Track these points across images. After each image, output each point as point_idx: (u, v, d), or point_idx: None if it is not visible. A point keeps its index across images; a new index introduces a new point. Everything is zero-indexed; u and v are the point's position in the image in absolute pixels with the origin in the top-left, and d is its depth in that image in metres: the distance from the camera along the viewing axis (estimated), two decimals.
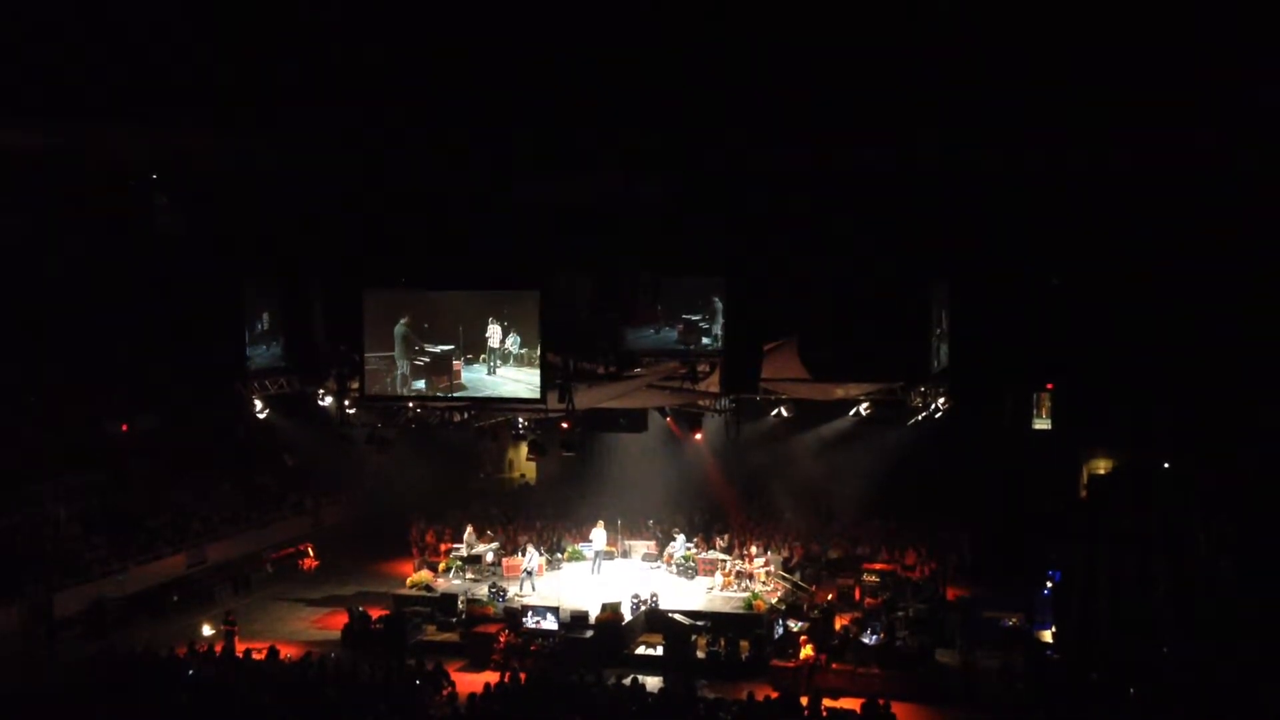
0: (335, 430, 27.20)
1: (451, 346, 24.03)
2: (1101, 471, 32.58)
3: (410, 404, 25.68)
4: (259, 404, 26.41)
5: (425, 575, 29.83)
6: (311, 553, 33.27)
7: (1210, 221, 23.02)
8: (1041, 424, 31.24)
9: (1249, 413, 25.37)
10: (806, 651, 22.93)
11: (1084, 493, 31.99)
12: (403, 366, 24.09)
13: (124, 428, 30.37)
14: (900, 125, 21.33)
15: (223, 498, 33.18)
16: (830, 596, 27.38)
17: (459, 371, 23.97)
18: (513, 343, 23.72)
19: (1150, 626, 22.05)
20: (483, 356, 23.88)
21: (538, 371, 23.60)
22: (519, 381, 23.81)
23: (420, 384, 24.17)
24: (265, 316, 25.79)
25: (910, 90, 19.15)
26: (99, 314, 26.82)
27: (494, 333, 23.85)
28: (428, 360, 24.12)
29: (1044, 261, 26.50)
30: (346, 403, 26.46)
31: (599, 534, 31.30)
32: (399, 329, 24.03)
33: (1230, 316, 24.87)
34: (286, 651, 23.46)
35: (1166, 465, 29.83)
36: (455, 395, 24.48)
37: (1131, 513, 26.50)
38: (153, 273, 25.93)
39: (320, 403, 26.71)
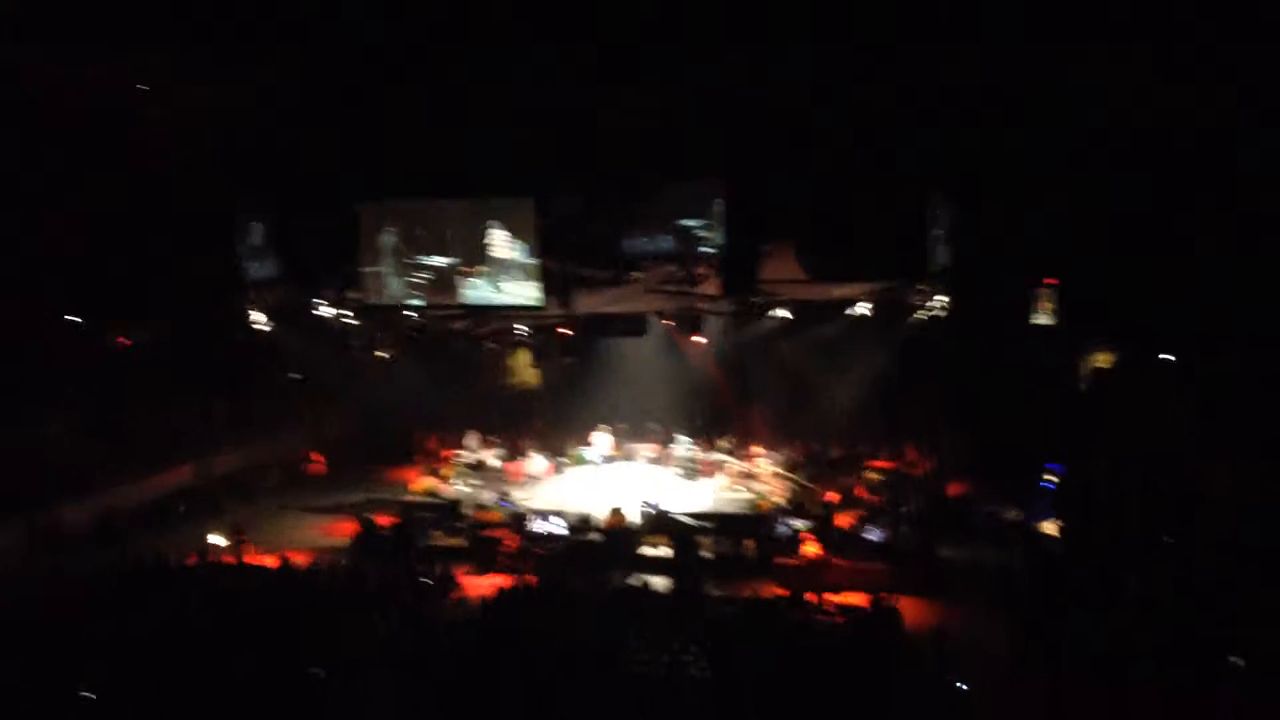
0: (335, 340, 27.21)
1: (453, 260, 23.96)
2: (1103, 365, 32.60)
3: (410, 313, 25.71)
4: (256, 315, 26.44)
5: (431, 482, 30.03)
6: (318, 459, 33.47)
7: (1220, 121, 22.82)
8: (1043, 319, 31.21)
9: (1253, 308, 25.33)
10: (810, 549, 23.16)
11: (1084, 387, 32.06)
12: (393, 285, 24.05)
13: (121, 340, 30.35)
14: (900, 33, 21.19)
15: (225, 409, 33.24)
16: (833, 495, 27.56)
17: (460, 288, 23.93)
18: (514, 250, 23.66)
19: (1149, 520, 22.23)
20: (479, 269, 23.83)
21: (537, 282, 23.61)
22: (519, 293, 23.81)
23: (420, 300, 24.19)
24: (260, 228, 25.71)
25: None
26: (93, 227, 26.67)
27: (498, 239, 23.77)
28: (430, 276, 24.08)
29: (1047, 154, 26.31)
30: (344, 312, 26.47)
31: (602, 438, 31.49)
32: (387, 239, 23.96)
33: (1232, 214, 24.72)
34: (295, 559, 23.69)
35: (1167, 357, 29.87)
36: (455, 304, 24.52)
37: (1131, 407, 26.59)
38: (147, 185, 25.75)
39: (318, 313, 26.70)
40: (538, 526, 25.43)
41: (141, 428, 30.44)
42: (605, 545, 24.98)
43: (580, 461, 32.05)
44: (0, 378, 25.89)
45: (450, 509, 27.42)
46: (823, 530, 24.37)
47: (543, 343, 28.86)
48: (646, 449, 32.40)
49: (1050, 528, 24.53)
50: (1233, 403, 23.11)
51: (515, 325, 29.23)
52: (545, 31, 21.86)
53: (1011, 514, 25.64)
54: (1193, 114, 22.67)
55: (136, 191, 25.78)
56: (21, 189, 24.74)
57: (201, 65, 23.27)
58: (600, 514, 26.07)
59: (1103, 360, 32.60)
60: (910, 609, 20.75)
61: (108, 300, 28.40)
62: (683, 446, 31.10)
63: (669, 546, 24.65)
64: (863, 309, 27.58)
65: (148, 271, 27.46)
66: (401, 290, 24.90)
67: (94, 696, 17.18)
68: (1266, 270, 23.75)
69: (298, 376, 32.96)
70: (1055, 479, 26.58)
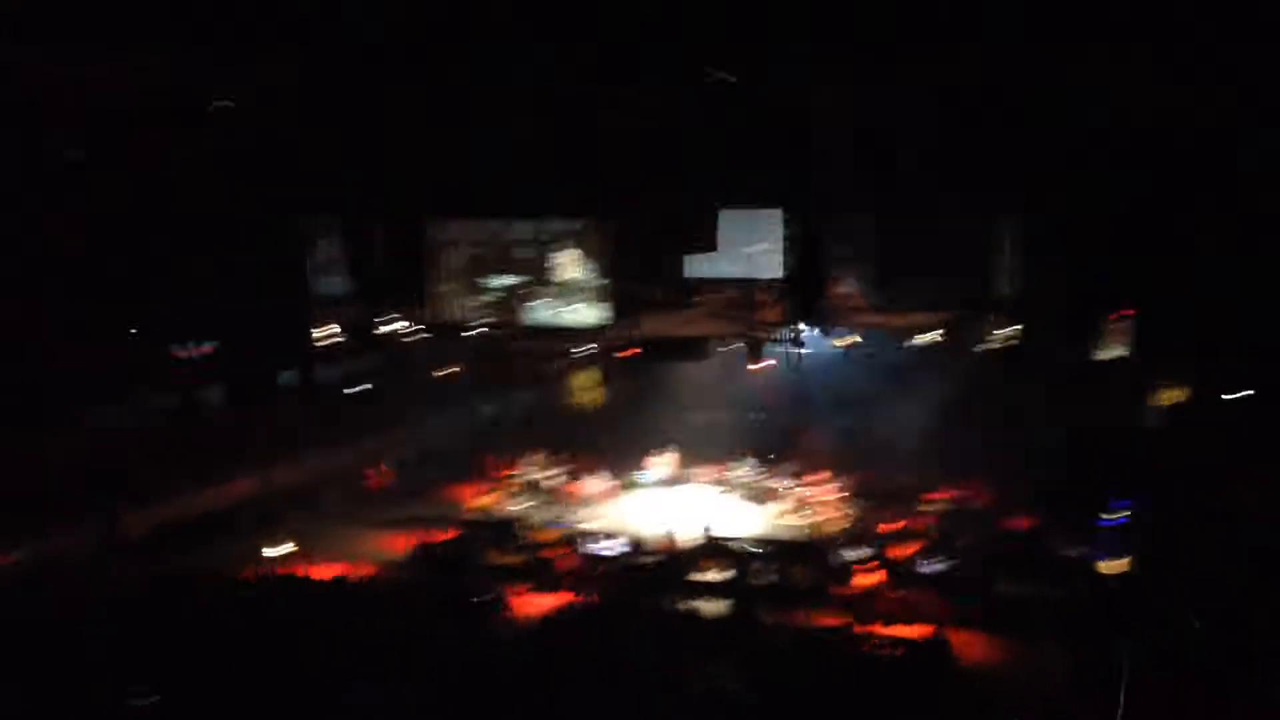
0: (401, 357, 27.47)
1: (520, 280, 24.15)
2: (1174, 400, 32.08)
3: (474, 331, 25.92)
4: (325, 329, 26.77)
5: (490, 499, 30.15)
6: (385, 472, 33.72)
7: None
8: (1114, 352, 30.80)
9: None
10: (867, 579, 22.99)
11: (1153, 422, 31.56)
12: (460, 303, 24.28)
13: (190, 354, 30.83)
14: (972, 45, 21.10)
15: (289, 422, 33.62)
16: (893, 525, 27.30)
17: (526, 308, 24.11)
18: (580, 271, 23.79)
19: (1215, 560, 21.82)
20: (549, 291, 23.98)
21: (602, 304, 23.72)
22: (584, 314, 23.94)
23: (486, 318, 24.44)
24: (331, 244, 26.08)
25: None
26: (170, 240, 27.16)
27: (565, 260, 23.92)
28: (497, 296, 24.28)
29: (1118, 190, 26.03)
30: (413, 329, 26.74)
31: (663, 460, 31.46)
32: (456, 258, 24.20)
33: None
34: (353, 573, 23.89)
35: (1239, 395, 29.33)
36: (521, 323, 24.71)
37: (1201, 445, 26.16)
38: (221, 198, 26.18)
39: (385, 329, 27.00)
40: (593, 547, 25.46)
41: (209, 437, 30.86)
42: (661, 568, 24.95)
43: (641, 483, 32.04)
44: (72, 384, 26.37)
45: (507, 527, 27.53)
46: (880, 560, 24.17)
47: (606, 364, 28.92)
48: (706, 472, 32.32)
49: (1113, 565, 24.16)
50: None
51: (580, 346, 29.33)
52: (623, 54, 22.07)
53: (1074, 550, 25.25)
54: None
55: (211, 203, 26.23)
56: (102, 202, 25.26)
57: (280, 80, 23.73)
58: (657, 536, 26.06)
59: (1173, 395, 32.12)
60: (964, 642, 20.52)
61: (181, 311, 28.90)
62: (744, 470, 30.98)
63: (724, 570, 24.57)
64: (931, 337, 27.36)
65: (221, 283, 27.92)
66: (469, 309, 25.12)
67: (147, 702, 17.47)
68: None
69: (358, 389, 33.29)
70: (1121, 515, 26.20)
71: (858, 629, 20.45)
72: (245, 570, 23.69)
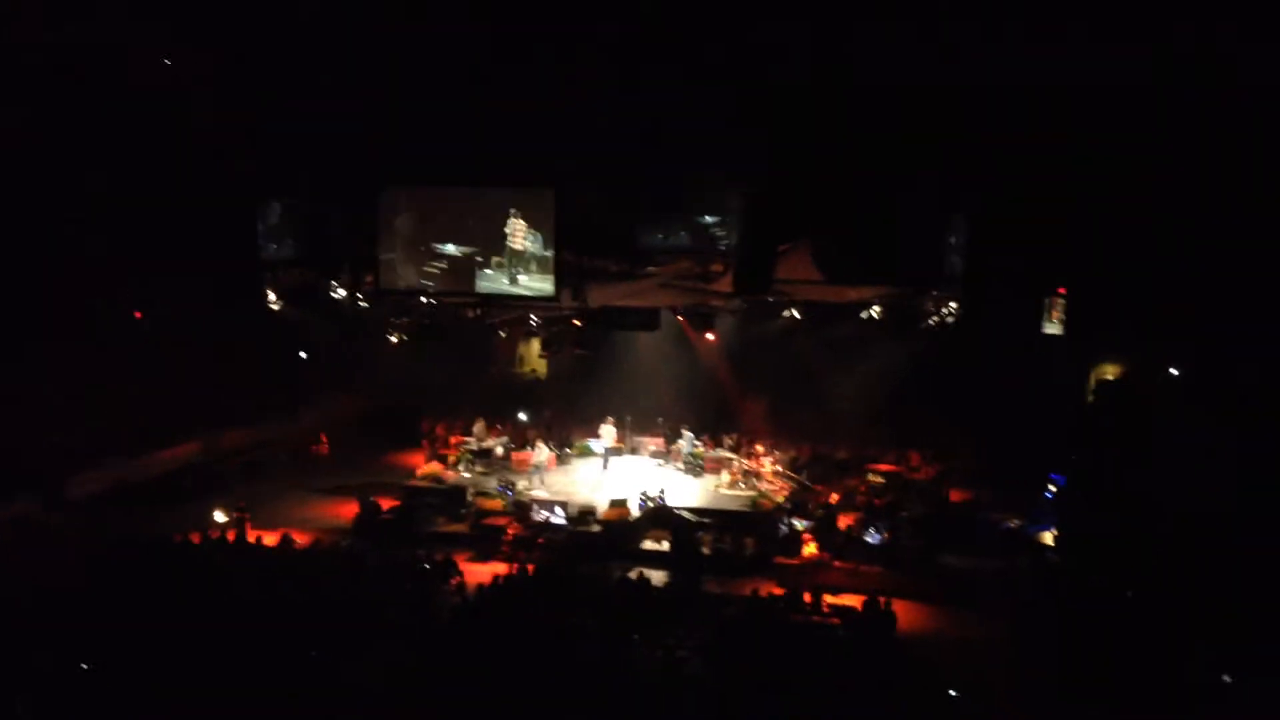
0: (348, 323, 27.32)
1: (471, 249, 24.07)
2: (1110, 377, 32.60)
3: (423, 298, 25.82)
4: (272, 295, 26.57)
5: (435, 468, 30.15)
6: (324, 440, 33.65)
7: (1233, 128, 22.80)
8: (1052, 329, 31.22)
9: (1261, 322, 25.32)
10: (810, 549, 23.28)
11: (1091, 397, 32.07)
12: (409, 271, 24.11)
13: (137, 315, 30.47)
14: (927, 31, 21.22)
15: (236, 386, 33.38)
16: (835, 496, 27.62)
17: (475, 277, 24.05)
18: (532, 241, 23.74)
19: (1151, 532, 22.25)
20: (496, 260, 23.93)
21: (552, 273, 23.73)
22: (534, 283, 23.94)
23: (434, 287, 24.36)
24: (279, 208, 25.83)
25: None
26: (110, 202, 26.77)
27: (515, 229, 23.87)
28: (445, 265, 24.20)
29: (1059, 167, 26.31)
30: (359, 296, 26.59)
31: (608, 430, 31.61)
32: (405, 225, 24.08)
33: (1244, 225, 24.71)
34: (298, 539, 23.83)
35: (1175, 372, 29.87)
36: (469, 292, 24.63)
37: (1137, 418, 26.60)
38: (167, 163, 25.83)
39: (333, 295, 26.83)
40: (539, 516, 25.54)
41: (152, 403, 30.58)
42: (605, 537, 25.09)
43: (586, 453, 32.18)
44: (14, 350, 25.99)
45: (454, 495, 27.54)
46: (823, 531, 24.46)
47: (555, 333, 28.92)
48: (651, 443, 32.51)
49: (1050, 537, 24.62)
50: (1238, 412, 23.07)
51: (528, 315, 29.32)
52: (574, 18, 21.95)
53: (1013, 522, 25.72)
54: (1202, 118, 22.68)
55: (155, 167, 25.87)
56: (35, 162, 24.82)
57: (226, 43, 23.42)
58: (603, 506, 26.20)
59: (1110, 371, 32.64)
60: (907, 612, 20.85)
61: (123, 274, 28.51)
62: (688, 442, 31.19)
63: (669, 541, 24.76)
64: (874, 313, 27.60)
65: (164, 247, 27.56)
66: (417, 276, 24.99)
67: (93, 668, 17.35)
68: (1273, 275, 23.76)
69: (304, 355, 33.12)
70: (1056, 489, 26.67)
71: (803, 598, 20.64)
72: (192, 535, 23.48)
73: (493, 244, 24.01)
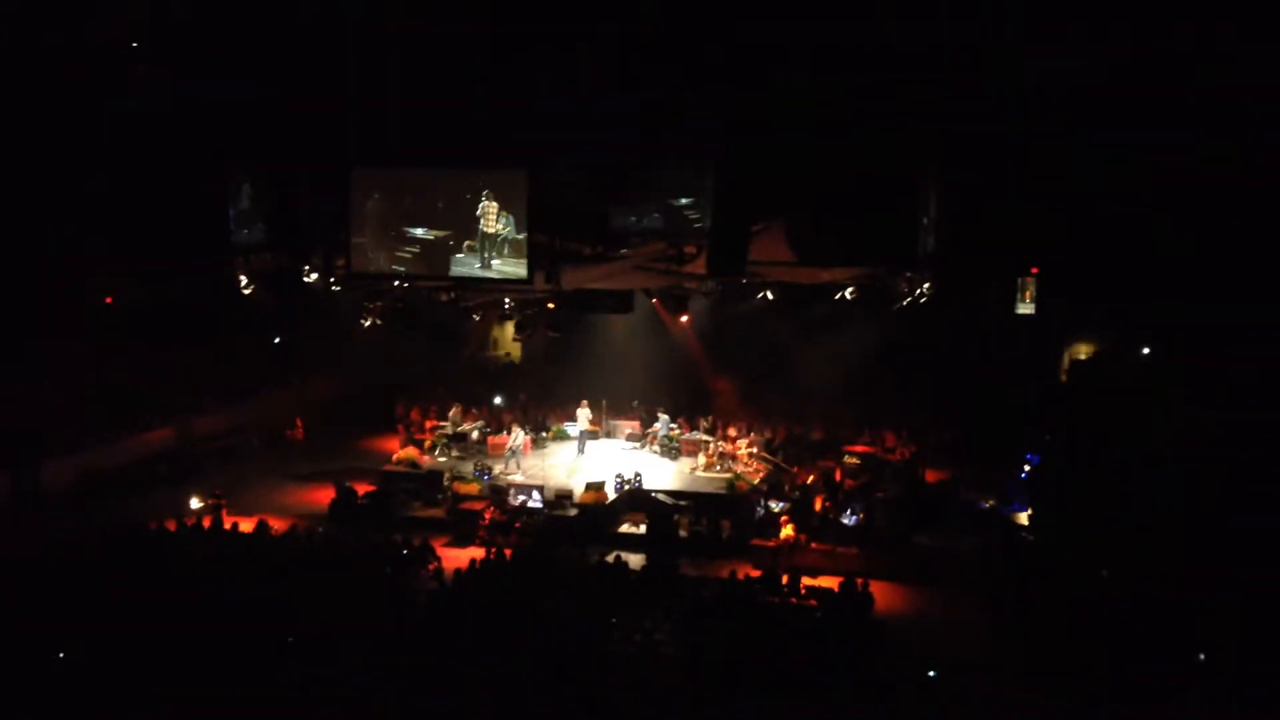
0: (321, 308, 27.19)
1: (445, 233, 23.95)
2: (1083, 356, 32.82)
3: (396, 282, 25.69)
4: (244, 279, 26.40)
5: (411, 452, 30.06)
6: (300, 425, 33.54)
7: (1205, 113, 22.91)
8: (1025, 309, 31.35)
9: (1234, 301, 25.48)
10: (787, 531, 23.31)
11: (1064, 377, 32.26)
12: (381, 254, 24.02)
13: (108, 301, 30.23)
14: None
15: (209, 372, 33.22)
16: (811, 478, 27.69)
17: (449, 260, 23.96)
18: (505, 223, 23.64)
19: (1125, 511, 22.40)
20: (468, 244, 23.82)
21: (525, 256, 23.63)
22: (507, 266, 23.85)
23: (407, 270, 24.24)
24: (248, 191, 25.62)
25: None
26: (80, 187, 26.51)
27: (487, 210, 23.76)
28: (418, 248, 24.09)
29: (1033, 147, 26.38)
30: (332, 280, 26.44)
31: (583, 413, 31.57)
32: (377, 208, 23.94)
33: (1218, 204, 24.85)
34: (274, 525, 23.74)
35: (1147, 351, 30.07)
36: (443, 276, 24.52)
37: (1110, 397, 26.76)
38: (136, 144, 25.59)
39: (305, 279, 26.67)
40: (516, 500, 25.51)
41: (125, 388, 30.41)
42: (582, 520, 25.10)
43: (562, 436, 32.16)
44: None
45: (430, 480, 27.49)
46: (799, 513, 24.51)
47: (529, 317, 28.87)
48: (627, 426, 32.51)
49: (1025, 517, 24.78)
50: (1212, 394, 23.23)
51: (502, 298, 29.23)
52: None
53: (988, 502, 25.86)
54: (1178, 103, 22.78)
55: (125, 149, 25.63)
56: (11, 149, 24.60)
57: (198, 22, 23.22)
58: (579, 489, 26.20)
59: (1083, 351, 32.84)
60: (884, 593, 20.94)
61: (93, 259, 28.27)
62: (663, 425, 31.20)
63: (646, 524, 24.77)
64: (848, 294, 27.62)
65: (134, 231, 27.32)
66: (389, 260, 24.86)
67: (69, 655, 17.27)
68: (1249, 262, 23.91)
69: (276, 338, 32.96)
70: (1033, 468, 26.82)
71: (780, 580, 20.71)
72: (166, 522, 23.36)
73: (465, 227, 23.89)
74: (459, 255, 24.08)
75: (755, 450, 29.45)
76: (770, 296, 28.74)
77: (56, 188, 25.85)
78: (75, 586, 19.43)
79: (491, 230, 23.90)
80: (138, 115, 24.86)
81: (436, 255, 24.16)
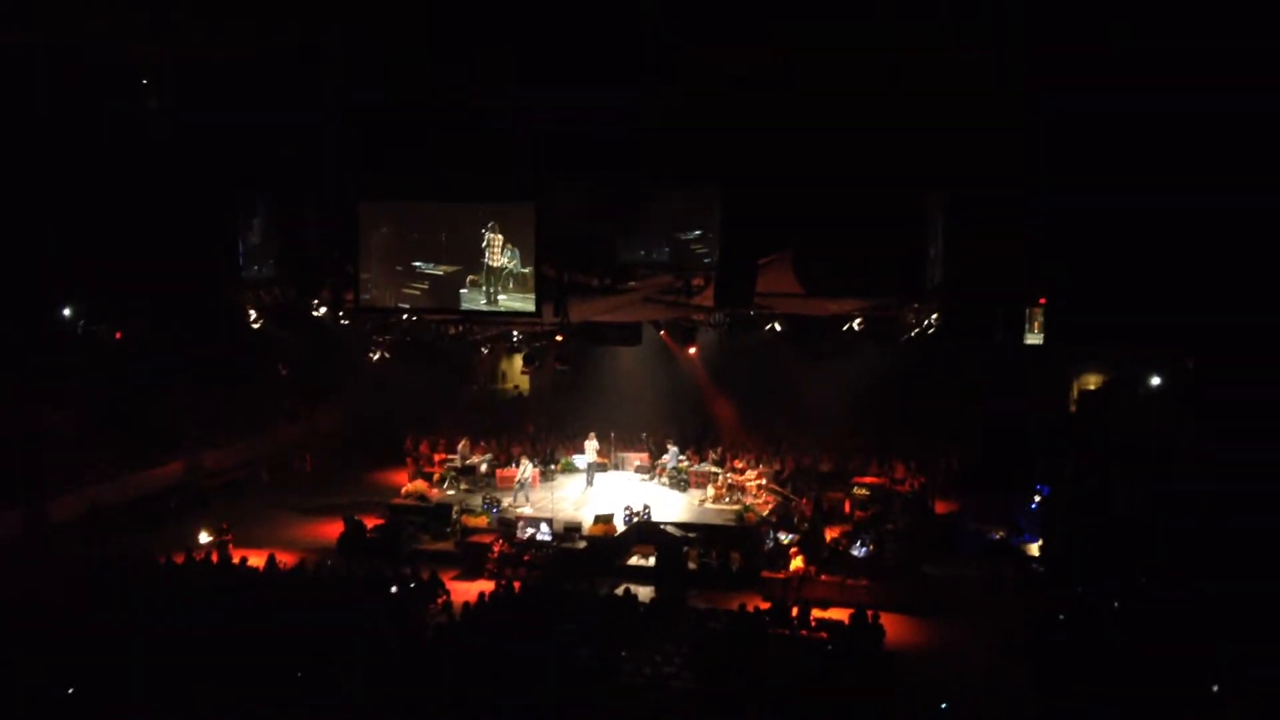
0: (330, 342, 27.25)
1: (452, 268, 24.00)
2: (1092, 386, 32.80)
3: (404, 316, 25.73)
4: (253, 314, 26.50)
5: (420, 485, 30.02)
6: (309, 459, 33.56)
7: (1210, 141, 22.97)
8: (1033, 339, 31.35)
9: (1238, 331, 25.47)
10: (796, 563, 23.23)
11: (1074, 407, 32.24)
12: (389, 288, 24.11)
13: (118, 335, 30.37)
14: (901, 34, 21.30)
15: (219, 406, 33.31)
16: (821, 509, 27.59)
17: (456, 293, 24.02)
18: (511, 256, 23.68)
19: (1135, 541, 22.33)
20: (472, 279, 23.87)
21: (534, 289, 23.66)
22: (516, 299, 23.88)
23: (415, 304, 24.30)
24: (257, 225, 25.74)
25: None
26: (90, 220, 26.67)
27: (493, 243, 23.80)
28: (425, 283, 24.13)
29: (1039, 177, 26.44)
30: (340, 314, 26.49)
31: (592, 446, 31.53)
32: (384, 241, 24.02)
33: (1220, 237, 24.89)
34: (282, 559, 23.73)
35: (1156, 381, 30.06)
36: (450, 307, 24.54)
37: (1119, 428, 26.74)
38: (146, 179, 25.74)
39: (314, 314, 26.75)
40: (525, 533, 25.47)
41: (135, 423, 30.48)
42: (591, 553, 25.03)
43: (570, 469, 32.12)
44: None
45: (439, 513, 27.46)
46: (809, 544, 24.43)
47: (536, 349, 28.91)
48: (636, 458, 32.47)
49: (1035, 548, 24.68)
50: (1223, 422, 23.19)
51: (510, 331, 29.27)
52: (546, 29, 21.98)
53: (998, 533, 25.77)
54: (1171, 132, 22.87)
55: (135, 184, 25.78)
56: (15, 180, 24.75)
57: (203, 55, 23.36)
58: (588, 522, 26.15)
59: (1092, 381, 32.82)
60: (894, 625, 20.86)
61: (105, 295, 28.43)
62: (672, 456, 31.16)
63: (655, 556, 24.72)
64: (856, 325, 27.59)
65: (146, 267, 27.44)
66: (397, 294, 24.91)
67: (79, 689, 17.24)
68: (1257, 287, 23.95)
69: (285, 371, 33.04)
70: (1043, 499, 26.74)
71: (789, 613, 20.64)
72: (175, 556, 23.35)
73: (471, 261, 23.92)
74: (465, 290, 24.12)
75: (764, 482, 29.37)
76: (779, 328, 28.74)
77: (66, 223, 26.03)
78: (84, 620, 19.43)
79: (497, 264, 23.94)
80: (148, 149, 25.04)
81: (444, 289, 24.18)
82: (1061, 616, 20.13)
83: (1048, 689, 17.88)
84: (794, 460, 31.73)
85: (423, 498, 29.04)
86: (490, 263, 23.97)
